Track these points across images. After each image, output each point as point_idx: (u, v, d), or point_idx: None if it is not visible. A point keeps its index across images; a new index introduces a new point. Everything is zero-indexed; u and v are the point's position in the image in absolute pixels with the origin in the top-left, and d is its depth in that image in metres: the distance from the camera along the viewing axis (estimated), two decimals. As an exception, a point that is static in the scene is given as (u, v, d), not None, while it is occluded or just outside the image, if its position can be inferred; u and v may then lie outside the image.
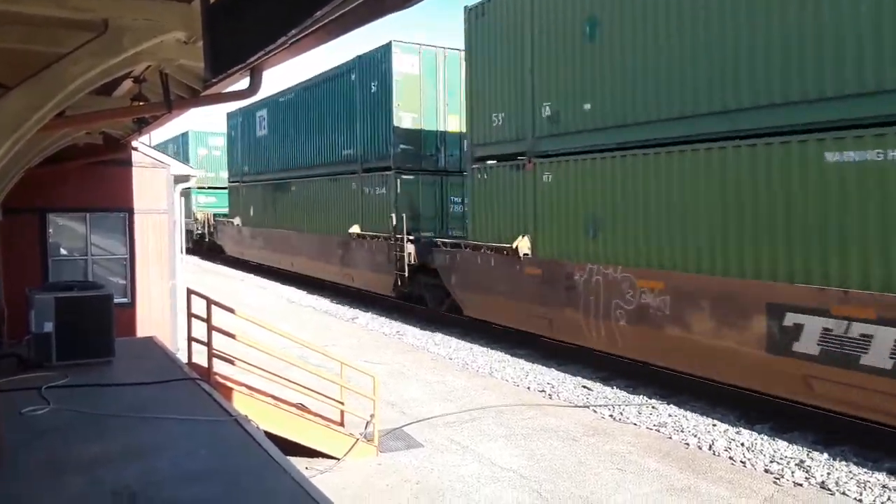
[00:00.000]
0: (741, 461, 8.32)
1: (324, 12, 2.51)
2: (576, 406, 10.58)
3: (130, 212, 12.85)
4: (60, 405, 6.62)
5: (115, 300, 9.13)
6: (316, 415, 8.91)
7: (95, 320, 8.46)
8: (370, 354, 13.92)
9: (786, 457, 8.37)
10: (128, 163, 12.71)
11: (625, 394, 11.10)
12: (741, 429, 9.35)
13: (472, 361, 13.45)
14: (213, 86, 6.05)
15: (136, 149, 12.70)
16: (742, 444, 8.78)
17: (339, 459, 8.29)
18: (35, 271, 11.97)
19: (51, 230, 12.59)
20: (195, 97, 6.80)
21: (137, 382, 7.55)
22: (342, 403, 8.96)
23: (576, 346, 12.88)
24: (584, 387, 11.52)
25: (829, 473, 7.85)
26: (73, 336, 8.23)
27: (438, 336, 15.92)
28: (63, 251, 12.77)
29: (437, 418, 9.95)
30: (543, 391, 11.37)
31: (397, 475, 7.98)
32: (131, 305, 12.81)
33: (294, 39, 3.19)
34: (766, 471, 8.04)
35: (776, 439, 8.93)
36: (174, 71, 6.07)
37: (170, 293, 13.24)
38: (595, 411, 10.30)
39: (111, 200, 12.78)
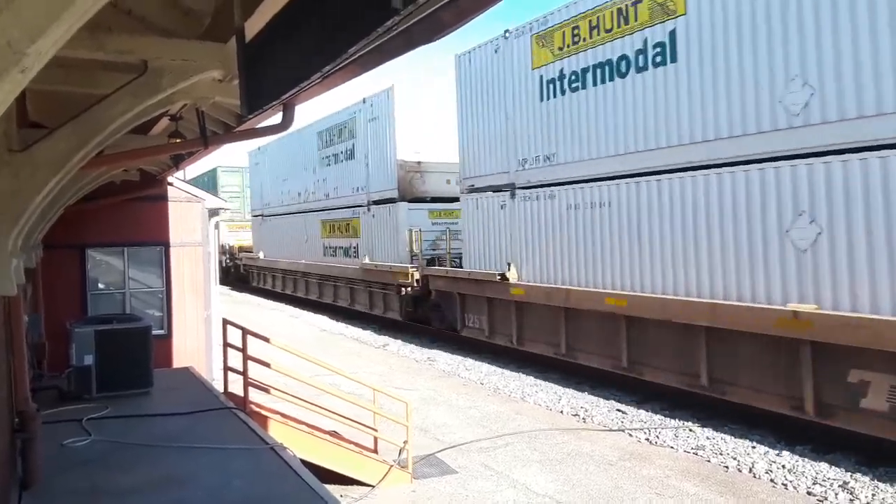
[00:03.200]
0: (783, 483, 8.15)
1: (358, 48, 2.60)
2: (610, 430, 10.47)
3: (166, 245, 13.13)
4: (100, 436, 6.76)
5: (153, 332, 9.32)
6: (350, 442, 8.94)
7: (134, 352, 8.65)
8: (401, 381, 13.94)
9: (829, 478, 8.18)
10: (163, 198, 13.02)
11: (660, 417, 10.96)
12: (781, 451, 9.16)
13: (504, 386, 13.39)
14: (247, 121, 6.24)
15: (171, 184, 13.02)
16: (783, 467, 8.60)
17: (373, 486, 8.30)
18: (75, 305, 12.26)
19: (89, 265, 12.91)
20: (229, 132, 7.00)
21: (175, 413, 7.68)
22: (375, 430, 8.99)
23: (609, 371, 12.78)
24: (619, 410, 11.40)
25: (874, 495, 7.65)
26: (112, 368, 8.42)
27: (469, 361, 15.90)
28: (101, 285, 13.07)
29: (471, 444, 9.92)
30: (577, 415, 11.27)
31: (432, 502, 7.96)
32: (168, 336, 13.04)
33: (326, 75, 3.31)
34: (809, 493, 7.86)
35: (818, 461, 8.73)
36: (209, 108, 6.26)
37: (205, 324, 13.45)
38: (630, 435, 10.18)
39: (147, 234, 13.09)
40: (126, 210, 12.60)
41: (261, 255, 32.49)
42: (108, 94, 4.20)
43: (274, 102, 3.75)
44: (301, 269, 27.92)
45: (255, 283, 34.19)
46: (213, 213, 14.60)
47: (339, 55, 2.75)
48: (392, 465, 8.59)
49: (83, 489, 5.53)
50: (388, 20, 2.26)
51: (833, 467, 8.50)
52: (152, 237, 13.11)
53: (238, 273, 36.86)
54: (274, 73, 3.59)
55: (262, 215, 33.16)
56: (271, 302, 30.39)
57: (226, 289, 35.49)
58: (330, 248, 25.63)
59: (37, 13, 1.07)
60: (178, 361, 12.56)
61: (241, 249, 37.75)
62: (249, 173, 36.22)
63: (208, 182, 41.33)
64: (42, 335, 10.44)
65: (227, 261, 38.34)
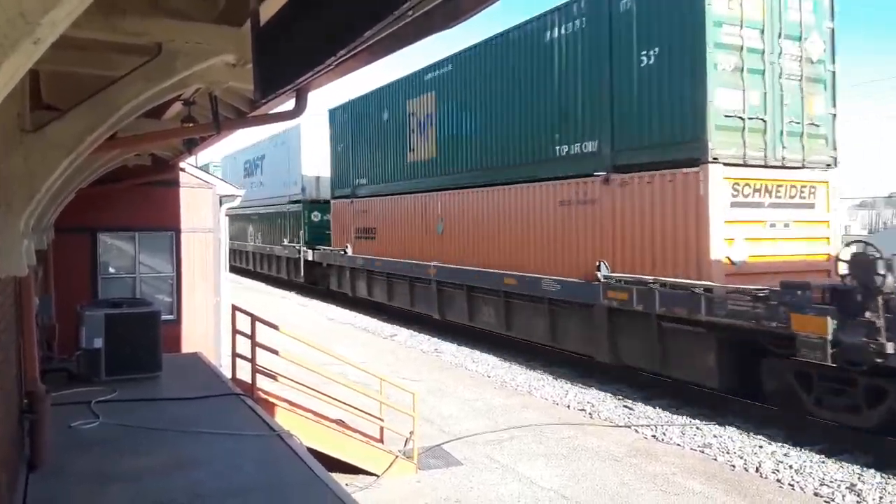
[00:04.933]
0: (789, 484, 8.10)
1: (373, 32, 2.57)
2: (617, 426, 10.44)
3: (177, 231, 13.16)
4: (109, 419, 6.79)
5: (162, 317, 9.35)
6: (356, 431, 8.95)
7: (143, 336, 8.67)
8: (408, 371, 13.95)
9: (836, 480, 8.12)
10: (175, 183, 13.04)
11: (667, 413, 10.92)
12: (789, 450, 9.11)
13: (511, 379, 13.38)
14: (260, 107, 6.22)
15: (183, 169, 13.03)
16: (790, 467, 8.55)
17: (378, 476, 8.31)
18: (85, 289, 12.31)
19: (101, 248, 12.95)
20: (242, 118, 6.98)
21: (183, 397, 7.71)
22: (382, 420, 9.00)
23: (615, 365, 12.75)
24: (626, 406, 11.37)
25: (881, 497, 7.60)
26: (121, 351, 8.44)
27: (476, 354, 15.89)
28: (112, 269, 13.12)
29: (477, 436, 9.91)
30: (583, 410, 11.25)
31: (436, 493, 7.96)
32: (177, 322, 13.08)
33: (340, 60, 3.27)
34: (816, 494, 7.81)
35: (826, 461, 8.68)
36: (223, 93, 6.24)
37: (214, 310, 13.48)
38: (637, 431, 10.15)
39: (159, 220, 13.12)
40: (138, 195, 12.62)
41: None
42: (120, 77, 4.18)
43: (287, 88, 3.72)
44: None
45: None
46: (227, 198, 14.58)
47: (353, 40, 2.71)
48: (397, 456, 8.59)
49: (90, 471, 5.55)
50: (405, 2, 2.22)
51: (842, 468, 8.45)
52: (163, 223, 13.14)
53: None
54: (287, 58, 3.55)
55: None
56: (282, 290, 30.45)
57: (234, 275, 35.10)
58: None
59: (49, -18, 1.05)
60: (188, 347, 12.60)
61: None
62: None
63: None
64: (52, 317, 10.48)
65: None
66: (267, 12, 3.76)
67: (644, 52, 11.99)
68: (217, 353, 13.00)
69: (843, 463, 8.60)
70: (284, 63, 3.64)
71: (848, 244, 9.58)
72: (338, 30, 2.84)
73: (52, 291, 10.90)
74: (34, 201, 3.87)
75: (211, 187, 13.67)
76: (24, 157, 3.70)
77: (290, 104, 5.27)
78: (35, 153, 3.78)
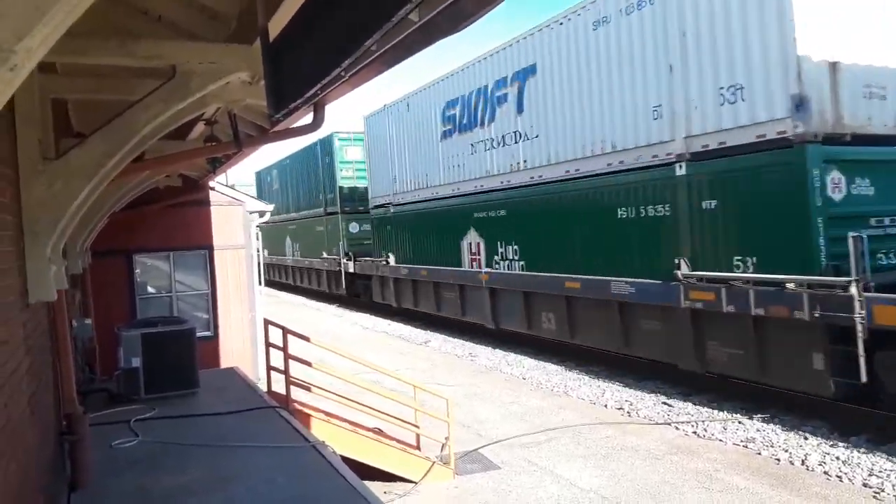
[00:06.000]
0: (837, 476, 7.88)
1: (374, 40, 2.57)
2: (656, 423, 10.28)
3: (210, 249, 13.39)
4: (148, 437, 6.91)
5: (199, 333, 9.50)
6: (392, 438, 8.97)
7: (180, 354, 8.82)
8: (443, 377, 13.95)
9: (885, 470, 7.88)
10: (206, 202, 13.28)
11: (708, 409, 10.72)
12: (836, 441, 8.87)
13: (547, 381, 13.28)
14: (278, 122, 6.29)
15: (213, 188, 13.26)
16: (837, 458, 8.33)
17: (416, 483, 8.31)
18: (124, 309, 12.59)
19: (137, 270, 13.24)
20: (264, 134, 7.07)
21: (220, 413, 7.81)
22: (417, 427, 9.00)
23: (653, 361, 12.57)
24: (665, 403, 11.20)
25: (935, 487, 7.35)
26: (159, 370, 8.60)
27: (511, 356, 15.82)
28: (150, 289, 13.40)
29: (513, 439, 9.85)
30: (621, 409, 11.11)
31: (475, 498, 7.93)
32: (214, 338, 13.30)
33: (351, 72, 3.29)
34: (865, 485, 7.59)
35: (874, 452, 8.43)
36: (242, 111, 6.34)
37: (249, 324, 13.67)
38: (677, 428, 9.99)
39: (192, 239, 13.37)
40: (170, 216, 12.89)
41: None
42: (138, 100, 4.26)
43: (298, 101, 3.74)
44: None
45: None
46: (257, 214, 14.79)
47: (356, 51, 2.72)
48: (434, 462, 8.58)
49: (131, 489, 5.65)
50: (402, 8, 2.22)
51: (891, 458, 8.19)
52: (196, 241, 13.39)
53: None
54: (298, 73, 3.58)
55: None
56: (317, 302, 30.70)
57: (269, 289, 35.67)
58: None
59: (23, 11, 1.07)
60: (225, 362, 12.80)
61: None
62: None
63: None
64: (93, 339, 10.73)
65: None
66: (275, 28, 3.80)
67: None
68: (254, 367, 13.17)
69: (891, 452, 8.34)
70: (296, 78, 3.67)
71: None
72: (340, 42, 2.85)
73: (92, 314, 11.15)
74: (59, 227, 3.97)
75: (241, 204, 13.88)
76: (47, 184, 3.80)
77: (308, 118, 5.31)
78: (58, 180, 3.87)
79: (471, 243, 18.28)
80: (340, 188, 28.71)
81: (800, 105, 9.40)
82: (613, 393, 12.05)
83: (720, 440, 9.36)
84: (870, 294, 8.60)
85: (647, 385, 12.33)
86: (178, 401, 8.42)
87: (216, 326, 13.50)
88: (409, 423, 9.05)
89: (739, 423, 9.96)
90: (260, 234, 20.36)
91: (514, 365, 14.95)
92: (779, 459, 8.52)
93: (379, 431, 9.12)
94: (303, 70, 3.50)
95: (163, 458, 6.37)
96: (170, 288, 13.47)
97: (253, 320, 13.78)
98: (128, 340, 8.66)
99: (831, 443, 8.86)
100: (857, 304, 8.52)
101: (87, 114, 6.97)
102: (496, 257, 17.13)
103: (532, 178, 15.52)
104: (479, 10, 2.92)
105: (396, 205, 22.94)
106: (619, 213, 12.80)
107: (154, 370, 8.60)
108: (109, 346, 10.03)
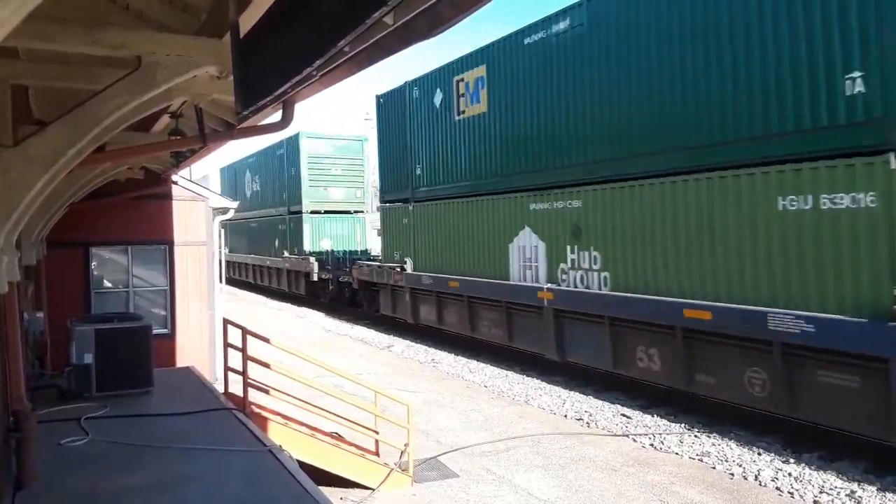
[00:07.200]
0: (789, 492, 8.02)
1: (347, 41, 2.52)
2: (615, 435, 10.35)
3: (171, 244, 13.11)
4: (98, 436, 6.71)
5: (156, 331, 9.28)
6: (350, 444, 8.87)
7: (134, 351, 8.60)
8: (405, 382, 13.86)
9: (836, 487, 8.04)
10: (168, 196, 13.00)
11: (665, 422, 10.84)
12: (788, 458, 9.03)
13: (508, 389, 13.29)
14: (246, 119, 6.18)
15: (175, 182, 12.99)
16: (789, 475, 8.47)
17: (373, 490, 8.22)
18: (78, 303, 12.24)
19: (94, 263, 12.89)
20: (229, 131, 6.94)
21: (174, 413, 7.62)
22: (377, 433, 8.91)
23: (615, 373, 12.64)
24: (623, 415, 11.28)
25: (882, 505, 7.52)
26: (112, 367, 8.36)
27: (473, 364, 15.80)
28: (106, 283, 13.06)
29: (473, 447, 9.82)
30: (581, 419, 11.16)
31: (432, 506, 7.87)
32: (171, 336, 13.01)
33: (323, 71, 3.23)
34: (816, 502, 7.73)
35: (825, 469, 8.59)
36: (209, 105, 6.20)
37: (208, 323, 13.41)
38: (635, 440, 10.06)
39: (152, 233, 13.07)
40: (130, 208, 12.59)
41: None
42: (102, 90, 4.13)
43: (268, 99, 3.67)
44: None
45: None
46: (220, 211, 14.53)
47: (329, 50, 2.67)
48: (393, 469, 8.51)
49: (79, 489, 5.47)
50: (376, 10, 2.18)
51: (841, 475, 8.36)
52: (157, 236, 13.09)
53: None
54: (268, 70, 3.51)
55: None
56: (279, 302, 30.34)
57: (232, 288, 35.10)
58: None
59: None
60: (182, 361, 12.52)
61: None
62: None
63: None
64: (44, 333, 10.41)
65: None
66: (247, 23, 3.72)
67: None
68: (212, 367, 12.92)
69: (841, 470, 8.52)
70: (266, 75, 3.59)
71: None
72: (314, 40, 2.80)
73: (45, 306, 10.83)
74: (14, 217, 3.82)
75: (204, 200, 13.63)
76: (2, 172, 3.65)
77: (277, 116, 5.22)
78: (14, 168, 3.73)
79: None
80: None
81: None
82: (573, 403, 12.10)
83: (676, 453, 9.45)
84: None
85: (606, 396, 12.40)
86: (130, 399, 8.19)
87: (174, 324, 13.20)
88: (368, 428, 8.96)
89: (696, 436, 10.08)
90: (223, 231, 20.40)
91: (477, 372, 14.92)
92: (733, 474, 8.63)
93: (337, 436, 9.00)
94: (273, 67, 3.43)
95: (113, 458, 6.18)
96: (127, 283, 13.14)
97: (212, 319, 13.52)
98: (80, 336, 8.41)
99: (784, 459, 9.01)
100: None
101: (48, 101, 6.77)
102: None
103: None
104: (457, 15, 2.90)
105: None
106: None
107: (107, 367, 8.35)
108: (61, 341, 9.74)
